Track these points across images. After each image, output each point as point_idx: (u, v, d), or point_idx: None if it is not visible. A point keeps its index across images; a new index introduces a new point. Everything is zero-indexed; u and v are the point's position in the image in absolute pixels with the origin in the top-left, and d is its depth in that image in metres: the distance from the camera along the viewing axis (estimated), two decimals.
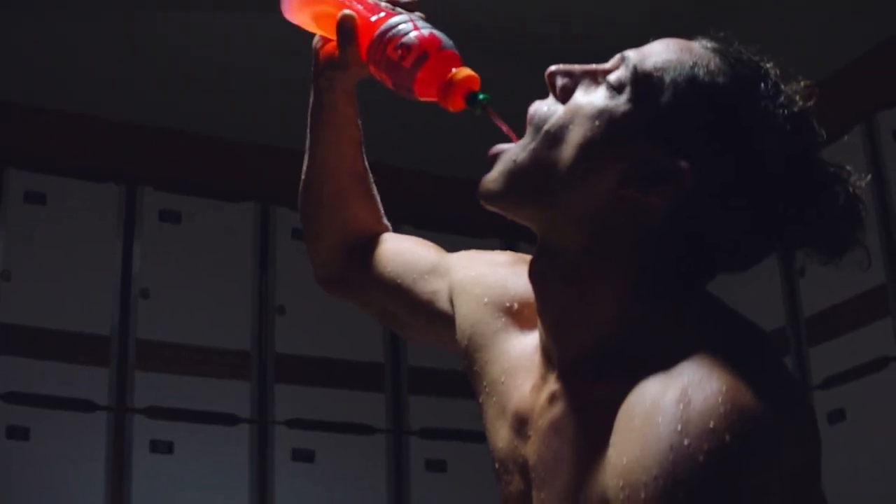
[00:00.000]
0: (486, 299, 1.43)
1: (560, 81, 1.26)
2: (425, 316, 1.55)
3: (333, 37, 1.47)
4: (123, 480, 3.84)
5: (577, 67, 1.27)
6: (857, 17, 3.94)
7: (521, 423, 1.29)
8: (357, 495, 4.11)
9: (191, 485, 3.87)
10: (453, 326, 1.47)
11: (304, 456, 4.06)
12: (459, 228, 4.17)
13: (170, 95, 4.21)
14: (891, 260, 3.83)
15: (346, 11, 1.44)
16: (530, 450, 1.25)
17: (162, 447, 3.87)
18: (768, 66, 1.23)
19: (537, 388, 1.29)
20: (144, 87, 4.17)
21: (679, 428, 1.04)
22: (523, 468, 1.27)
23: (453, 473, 4.15)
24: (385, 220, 1.68)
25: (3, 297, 3.85)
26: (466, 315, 1.44)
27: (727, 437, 1.02)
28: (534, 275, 1.29)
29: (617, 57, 1.25)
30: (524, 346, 1.36)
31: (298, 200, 1.67)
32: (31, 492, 3.69)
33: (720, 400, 1.05)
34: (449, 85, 1.33)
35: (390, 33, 1.38)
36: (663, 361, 1.12)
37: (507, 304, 1.41)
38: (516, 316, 1.41)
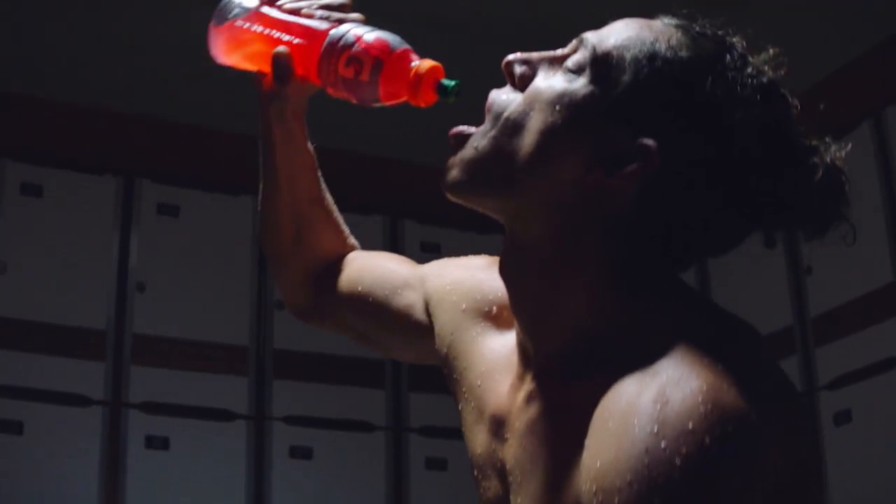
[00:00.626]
0: (463, 305, 1.40)
1: (518, 70, 1.23)
2: (403, 332, 1.51)
3: (260, 69, 1.44)
4: (118, 476, 3.81)
5: (534, 55, 1.23)
6: (868, 11, 3.90)
7: (498, 426, 1.25)
8: (355, 493, 4.08)
9: (186, 481, 3.84)
10: (432, 338, 1.43)
11: (302, 453, 4.03)
12: (464, 224, 4.17)
13: (168, 88, 4.18)
14: None
15: (279, 49, 1.38)
16: (508, 452, 1.21)
17: (157, 443, 3.84)
18: (734, 39, 1.19)
19: (515, 389, 1.25)
20: (143, 79, 4.13)
21: (655, 430, 0.99)
22: (501, 472, 1.23)
23: (454, 472, 4.16)
24: (351, 240, 1.64)
25: None
26: (445, 324, 1.40)
27: (706, 440, 0.97)
28: (504, 271, 1.25)
29: (575, 40, 1.22)
30: (502, 346, 1.33)
31: (259, 236, 1.63)
32: (25, 487, 3.66)
33: (700, 399, 1.00)
34: (416, 83, 1.28)
35: (335, 51, 1.33)
36: (641, 358, 1.07)
37: (486, 309, 1.38)
38: (495, 319, 1.37)
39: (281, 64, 1.39)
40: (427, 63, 1.29)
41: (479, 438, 1.28)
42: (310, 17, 1.39)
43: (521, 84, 1.22)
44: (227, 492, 3.89)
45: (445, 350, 1.39)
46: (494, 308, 1.37)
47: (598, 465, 1.02)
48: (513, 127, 1.19)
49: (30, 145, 4.10)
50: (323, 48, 1.34)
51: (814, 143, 1.17)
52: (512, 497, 1.18)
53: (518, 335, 1.26)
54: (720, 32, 1.19)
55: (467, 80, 1.29)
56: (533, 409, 1.19)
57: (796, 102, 1.18)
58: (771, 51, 1.19)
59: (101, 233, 4.01)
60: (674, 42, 1.17)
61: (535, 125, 1.17)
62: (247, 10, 1.45)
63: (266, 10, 1.44)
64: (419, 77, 1.28)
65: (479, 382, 1.31)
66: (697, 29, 1.19)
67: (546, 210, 1.18)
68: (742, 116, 1.14)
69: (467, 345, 1.36)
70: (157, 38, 3.94)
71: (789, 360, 3.92)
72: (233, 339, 4.06)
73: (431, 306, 1.45)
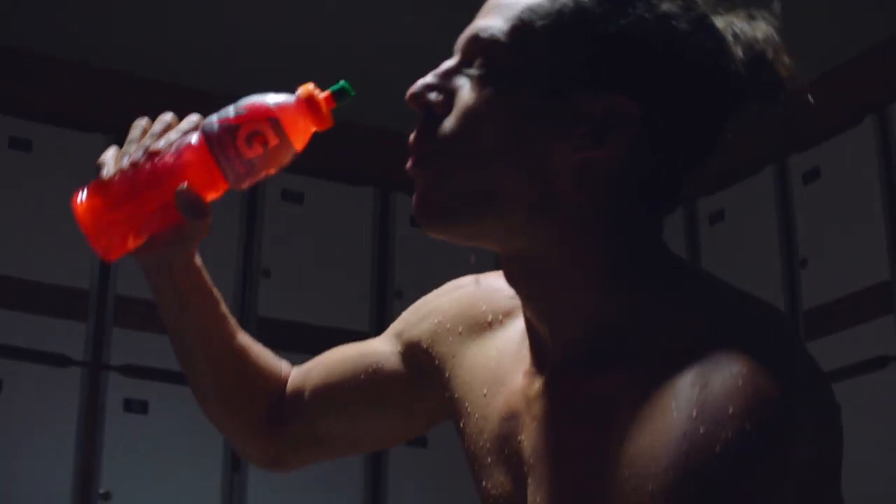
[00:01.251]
0: (460, 329, 1.34)
1: (433, 97, 1.14)
2: (397, 395, 1.42)
3: (169, 222, 1.24)
4: (95, 439, 3.78)
5: (439, 73, 1.15)
6: (875, 7, 3.86)
7: (510, 421, 1.19)
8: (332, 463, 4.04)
9: (164, 446, 3.81)
10: (427, 389, 1.36)
11: None
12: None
13: (160, 47, 4.14)
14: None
15: (180, 187, 1.21)
16: (526, 444, 1.16)
17: (136, 406, 3.80)
18: None
19: (529, 381, 1.19)
20: (134, 37, 4.09)
21: (694, 414, 0.95)
22: (514, 466, 1.18)
23: (433, 448, 4.13)
24: (283, 363, 1.50)
25: None
26: (444, 355, 1.35)
27: (747, 426, 0.94)
28: (511, 278, 1.19)
29: (467, 40, 1.15)
30: (506, 344, 1.27)
31: (197, 400, 1.45)
32: (1, 445, 3.61)
33: (740, 383, 0.96)
34: (315, 113, 1.21)
35: (226, 143, 1.21)
36: (669, 343, 1.03)
37: (483, 321, 1.33)
38: (492, 325, 1.32)
39: (189, 196, 1.21)
40: (306, 89, 1.22)
41: (484, 437, 1.23)
42: (156, 153, 1.23)
43: (443, 110, 1.14)
44: (203, 457, 3.86)
45: (447, 375, 1.33)
46: (490, 316, 1.32)
47: (632, 450, 0.98)
48: (471, 155, 1.11)
49: (19, 98, 4.05)
50: (212, 152, 1.21)
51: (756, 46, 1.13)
52: (532, 490, 1.13)
53: (531, 333, 1.20)
54: None
55: None
56: (553, 401, 1.14)
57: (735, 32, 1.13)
58: None
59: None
60: None
61: (490, 142, 1.11)
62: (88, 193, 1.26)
63: (109, 189, 1.24)
64: (315, 106, 1.21)
65: (485, 391, 1.25)
66: None
67: (532, 219, 1.12)
68: (685, 29, 1.10)
69: (470, 361, 1.31)
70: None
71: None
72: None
73: (424, 350, 1.38)
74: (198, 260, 1.34)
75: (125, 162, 1.23)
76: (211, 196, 1.24)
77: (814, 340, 3.85)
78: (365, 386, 1.42)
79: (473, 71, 1.13)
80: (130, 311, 3.88)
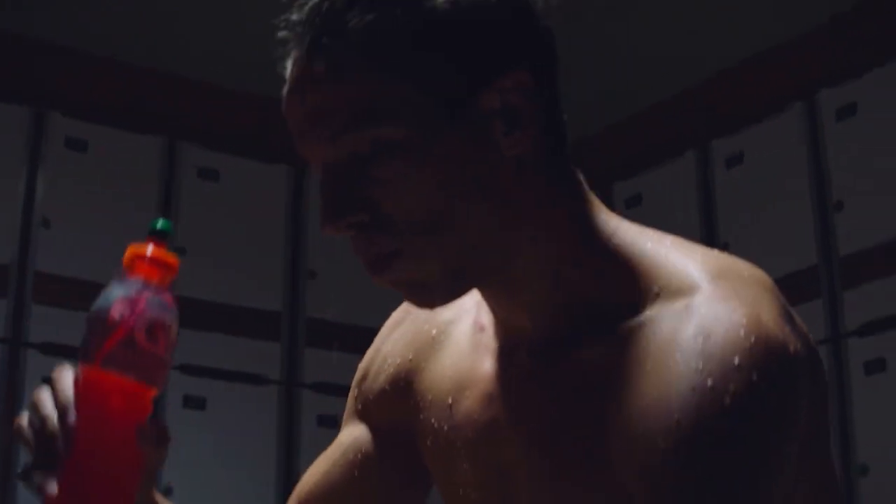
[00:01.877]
0: (410, 356, 1.31)
1: (353, 219, 1.08)
2: (405, 466, 1.34)
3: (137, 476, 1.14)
4: (14, 416, 3.69)
5: (337, 188, 1.08)
6: None
7: (490, 419, 1.17)
8: (247, 447, 4.04)
9: None
10: (405, 440, 1.31)
11: (195, 403, 3.97)
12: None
13: (82, 16, 4.07)
14: None
15: (140, 428, 1.11)
16: (518, 427, 1.14)
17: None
18: None
19: (504, 371, 1.17)
20: (57, 6, 4.02)
21: (700, 366, 0.96)
22: (497, 464, 1.16)
23: None
24: None
25: None
26: (406, 389, 1.30)
27: (754, 376, 0.96)
28: (485, 291, 1.16)
29: (308, 123, 1.08)
30: (456, 351, 1.25)
31: None
32: None
33: (742, 333, 0.97)
34: (159, 263, 1.16)
35: (129, 359, 1.11)
36: (661, 303, 1.04)
37: (430, 338, 1.29)
38: (436, 339, 1.29)
39: (150, 430, 1.12)
40: (136, 249, 1.17)
41: (457, 447, 1.20)
42: (72, 432, 1.12)
43: (371, 214, 1.08)
44: None
45: (411, 403, 1.29)
46: (434, 331, 1.30)
47: (638, 408, 0.99)
48: (439, 226, 1.07)
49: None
50: (124, 375, 1.11)
51: None
52: (530, 470, 1.12)
53: (497, 319, 1.19)
54: None
55: None
56: (540, 377, 1.13)
57: None
58: None
59: (7, 165, 3.90)
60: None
61: (446, 203, 1.06)
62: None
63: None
64: (155, 256, 1.16)
65: (449, 401, 1.23)
66: None
67: (508, 224, 1.10)
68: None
69: (427, 381, 1.27)
70: None
71: (814, 303, 3.68)
72: None
73: (387, 400, 1.33)
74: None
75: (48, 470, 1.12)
76: (150, 408, 1.15)
77: (852, 289, 3.73)
78: (365, 476, 1.35)
79: (376, 161, 1.06)
80: (50, 287, 3.84)
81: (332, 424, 4.06)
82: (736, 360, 0.96)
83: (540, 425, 1.12)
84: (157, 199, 4.09)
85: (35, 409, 1.15)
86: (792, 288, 3.71)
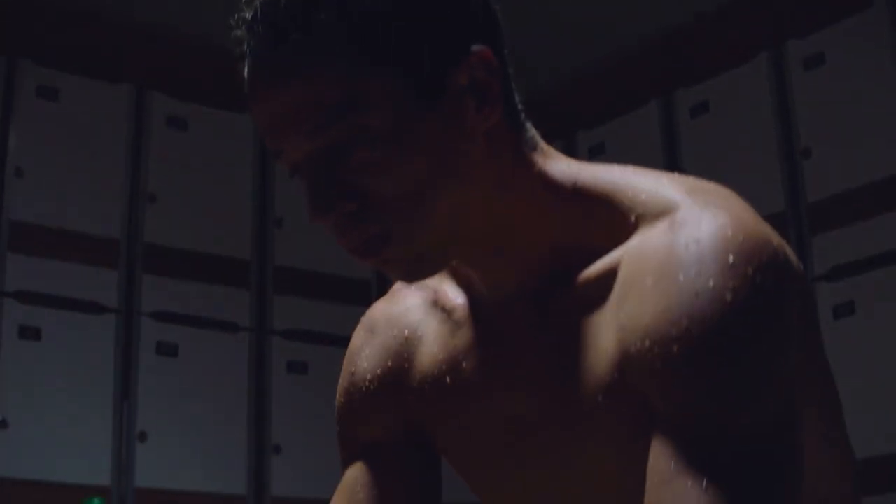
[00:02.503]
0: (389, 363, 1.32)
1: (342, 207, 1.10)
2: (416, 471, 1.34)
3: None
4: None
5: (322, 180, 1.10)
6: None
7: (501, 375, 1.20)
8: (218, 392, 4.06)
9: (57, 372, 3.77)
10: (411, 442, 1.32)
11: (168, 350, 3.99)
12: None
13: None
14: None
15: None
16: (526, 384, 1.18)
17: (30, 333, 3.76)
18: None
19: (498, 335, 1.21)
20: None
21: (698, 271, 0.99)
22: (514, 425, 1.19)
23: (314, 376, 4.15)
24: None
25: None
26: (395, 392, 1.32)
27: (749, 270, 1.00)
28: (471, 258, 1.20)
29: (283, 122, 1.09)
30: (437, 333, 1.28)
31: None
32: None
33: (730, 233, 1.02)
34: None
35: None
36: (634, 227, 1.09)
37: (403, 339, 1.31)
38: (409, 340, 1.31)
39: None
40: None
41: (479, 425, 1.23)
42: None
43: (358, 202, 1.10)
44: (96, 384, 3.84)
45: (406, 404, 1.31)
46: (406, 331, 1.32)
47: (646, 322, 1.02)
48: (424, 207, 1.10)
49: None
50: None
51: None
52: (545, 408, 1.16)
53: (482, 287, 1.22)
54: None
55: None
56: (536, 334, 1.17)
57: None
58: None
59: None
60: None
61: (429, 182, 1.09)
62: None
63: None
64: None
65: (448, 381, 1.25)
66: None
67: (489, 194, 1.14)
68: None
69: (419, 376, 1.29)
70: None
71: None
72: (105, 231, 3.96)
73: (377, 412, 1.33)
74: None
75: None
76: None
77: (820, 234, 3.76)
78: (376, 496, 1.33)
79: (358, 149, 1.08)
80: (23, 236, 3.82)
81: (301, 370, 4.13)
82: (730, 259, 1.00)
83: (548, 369, 1.15)
84: (127, 148, 4.08)
85: None
86: None
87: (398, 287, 1.35)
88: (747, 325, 0.98)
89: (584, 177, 1.16)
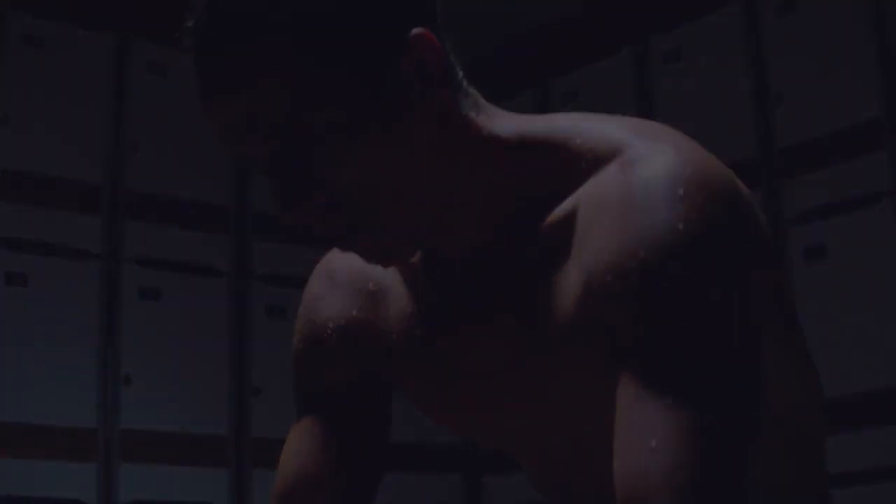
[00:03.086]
0: (354, 312, 1.35)
1: (310, 203, 1.12)
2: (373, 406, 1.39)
3: None
4: None
5: (287, 178, 1.11)
6: None
7: (466, 335, 1.24)
8: (199, 336, 4.12)
9: (41, 318, 3.81)
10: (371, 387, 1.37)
11: (151, 294, 4.04)
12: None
13: None
14: (889, 93, 3.60)
15: None
16: (494, 329, 1.21)
17: (17, 279, 3.79)
18: None
19: (463, 288, 1.24)
20: None
21: (651, 205, 1.02)
22: (489, 369, 1.23)
23: (293, 320, 4.14)
24: None
25: None
26: (376, 347, 1.34)
27: (700, 200, 1.02)
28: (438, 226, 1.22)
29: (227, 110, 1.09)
30: (403, 290, 1.31)
31: None
32: None
33: (679, 167, 1.05)
34: None
35: None
36: (586, 173, 1.11)
37: (365, 293, 1.34)
38: (375, 294, 1.34)
39: None
40: None
41: (450, 371, 1.27)
42: None
43: (328, 196, 1.12)
44: (80, 328, 3.89)
45: (371, 354, 1.34)
46: (371, 284, 1.34)
47: (606, 259, 1.04)
48: (391, 196, 1.12)
49: None
50: None
51: None
52: (521, 370, 1.20)
53: (442, 244, 1.24)
54: None
55: None
56: (500, 282, 1.20)
57: None
58: None
59: None
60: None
61: (392, 172, 1.11)
62: None
63: None
64: None
65: (418, 333, 1.28)
66: None
67: (447, 170, 1.16)
68: None
69: (385, 327, 1.32)
70: None
71: (754, 192, 3.63)
72: (86, 178, 3.99)
73: (339, 358, 1.36)
74: None
75: None
76: None
77: (792, 178, 3.79)
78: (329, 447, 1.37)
79: (321, 145, 1.10)
80: (7, 183, 3.84)
81: (280, 315, 4.15)
82: (681, 191, 1.02)
83: (517, 314, 1.18)
84: (110, 94, 4.10)
85: None
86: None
87: None
88: (701, 251, 1.01)
89: (530, 129, 1.18)
